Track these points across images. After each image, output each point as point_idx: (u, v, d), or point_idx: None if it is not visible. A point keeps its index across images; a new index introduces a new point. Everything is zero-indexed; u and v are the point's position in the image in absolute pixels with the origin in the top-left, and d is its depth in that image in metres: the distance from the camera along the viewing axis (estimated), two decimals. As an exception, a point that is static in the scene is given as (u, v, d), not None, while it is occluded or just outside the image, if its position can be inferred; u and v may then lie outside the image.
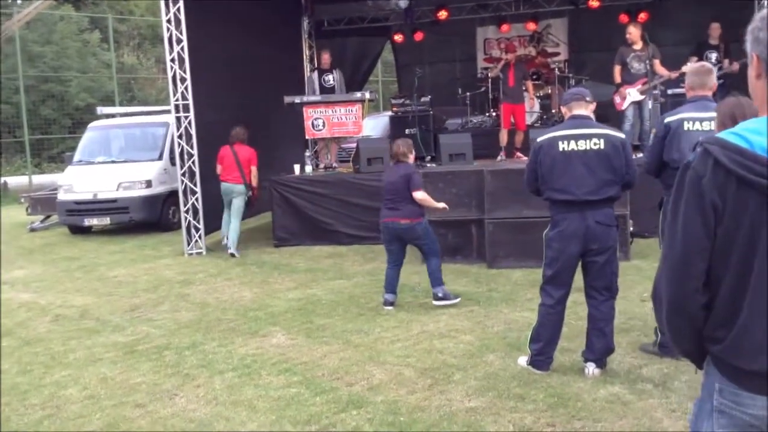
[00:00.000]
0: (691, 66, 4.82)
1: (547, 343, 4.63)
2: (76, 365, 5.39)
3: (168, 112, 11.49)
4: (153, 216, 12.20)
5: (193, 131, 9.57)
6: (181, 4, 9.31)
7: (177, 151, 9.73)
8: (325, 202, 9.67)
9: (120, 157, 13.00)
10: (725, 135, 1.70)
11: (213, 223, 10.18)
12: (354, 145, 11.08)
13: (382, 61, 21.37)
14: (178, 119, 9.62)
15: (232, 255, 9.39)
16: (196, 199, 9.67)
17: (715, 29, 10.47)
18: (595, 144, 4.40)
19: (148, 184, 12.20)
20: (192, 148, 9.61)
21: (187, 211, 9.69)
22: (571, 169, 4.40)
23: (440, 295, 6.37)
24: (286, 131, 11.76)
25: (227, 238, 9.62)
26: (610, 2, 13.12)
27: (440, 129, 12.55)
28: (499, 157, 10.29)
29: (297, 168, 10.16)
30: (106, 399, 4.67)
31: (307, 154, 10.80)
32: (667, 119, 4.56)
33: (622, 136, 4.60)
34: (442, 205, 6.48)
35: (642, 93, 9.58)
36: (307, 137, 10.73)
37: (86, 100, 22.82)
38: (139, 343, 5.86)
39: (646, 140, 9.43)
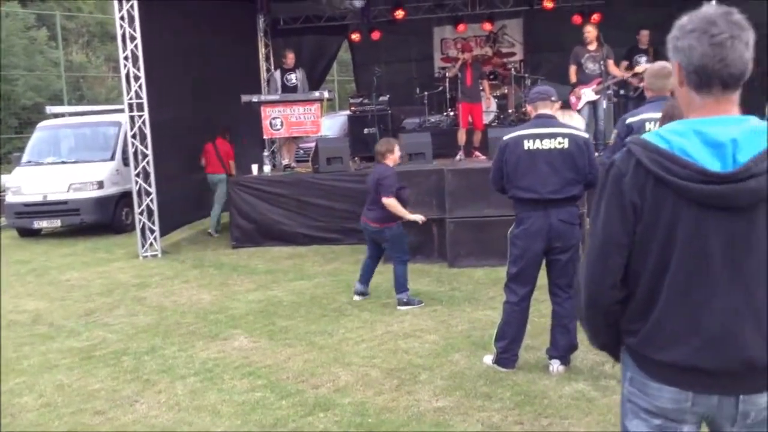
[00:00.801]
0: (651, 68, 4.90)
1: (513, 341, 4.66)
2: (31, 372, 5.21)
3: (120, 111, 11.23)
4: (105, 218, 11.90)
5: (147, 130, 9.37)
6: (134, 1, 9.10)
7: (130, 151, 9.50)
8: (283, 203, 9.57)
9: (70, 157, 12.64)
10: (649, 136, 1.77)
11: (168, 225, 9.99)
12: (312, 144, 11.01)
13: (338, 60, 21.27)
14: (131, 118, 9.40)
15: (210, 234, 10.69)
16: (151, 200, 9.47)
17: (644, 35, 10.84)
18: (559, 143, 4.45)
19: (100, 185, 11.90)
20: (146, 147, 9.40)
21: (141, 213, 9.48)
22: (535, 167, 4.44)
23: (404, 300, 6.38)
24: (243, 130, 11.60)
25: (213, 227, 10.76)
26: (563, 3, 13.32)
27: (399, 128, 12.56)
28: (458, 157, 10.34)
29: (255, 168, 10.04)
30: (63, 406, 4.52)
31: (265, 153, 10.68)
32: (629, 120, 4.63)
33: (586, 135, 4.67)
34: (415, 216, 6.38)
35: (597, 93, 9.75)
36: (264, 137, 10.61)
37: (33, 99, 22.12)
38: (95, 348, 5.70)
39: (600, 139, 9.62)
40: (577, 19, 12.89)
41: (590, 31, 9.71)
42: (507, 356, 4.67)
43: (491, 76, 12.71)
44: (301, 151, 12.53)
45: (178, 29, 10.23)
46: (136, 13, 9.13)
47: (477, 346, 5.17)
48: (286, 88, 10.82)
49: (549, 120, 4.58)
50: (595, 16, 12.60)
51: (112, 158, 12.34)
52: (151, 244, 9.53)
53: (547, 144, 4.45)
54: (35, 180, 12.03)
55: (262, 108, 10.11)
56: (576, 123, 6.13)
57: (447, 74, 11.86)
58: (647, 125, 4.51)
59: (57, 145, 13.07)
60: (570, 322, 4.61)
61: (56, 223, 11.86)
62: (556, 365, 4.62)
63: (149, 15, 9.34)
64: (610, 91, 10.15)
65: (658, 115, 4.53)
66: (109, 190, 11.95)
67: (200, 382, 4.79)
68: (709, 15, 1.71)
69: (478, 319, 5.86)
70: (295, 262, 8.63)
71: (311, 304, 6.64)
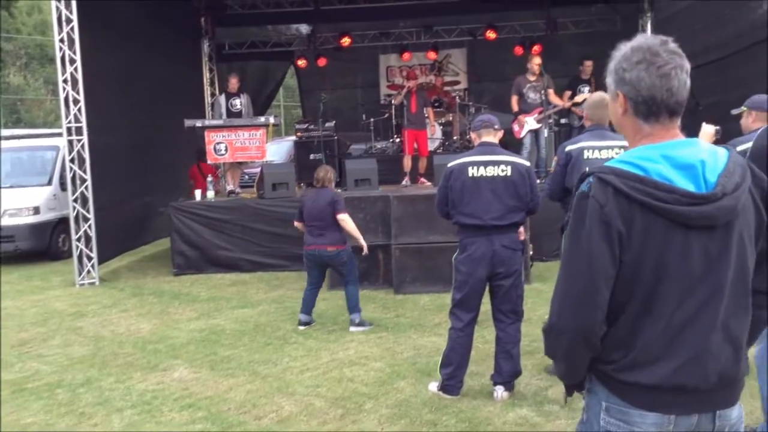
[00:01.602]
0: (590, 98, 5.05)
1: (457, 367, 4.67)
2: (-45, 408, 4.94)
3: (58, 135, 10.93)
4: (41, 244, 11.49)
5: (86, 155, 9.12)
6: (75, 23, 8.91)
7: (68, 175, 9.24)
8: (227, 229, 9.42)
9: (5, 182, 12.17)
10: (617, 164, 1.76)
11: (107, 252, 9.71)
12: (257, 170, 10.91)
13: (284, 85, 21.25)
14: (70, 142, 9.15)
15: None
16: (89, 227, 9.20)
17: (587, 66, 11.13)
18: (502, 171, 4.52)
19: (36, 210, 11.50)
20: (85, 172, 9.15)
21: (78, 239, 9.19)
22: (480, 194, 4.50)
23: (357, 321, 6.40)
24: (187, 155, 11.45)
25: None
26: (505, 35, 13.67)
27: (345, 154, 12.58)
28: (403, 183, 10.40)
29: (198, 193, 9.88)
30: (-11, 445, 4.30)
31: (209, 179, 10.53)
32: (568, 147, 4.74)
33: (527, 163, 4.77)
34: (363, 243, 6.47)
35: (538, 122, 9.99)
36: (208, 162, 10.47)
37: (-33, 121, 21.40)
38: (28, 380, 5.45)
39: (542, 167, 9.83)
40: (518, 50, 13.24)
41: (536, 63, 9.96)
42: (452, 383, 4.66)
43: (436, 104, 12.89)
44: (246, 177, 12.41)
45: (120, 52, 10.05)
46: (76, 36, 8.94)
47: (422, 373, 5.15)
48: (231, 113, 10.74)
49: (493, 148, 4.66)
50: (536, 47, 12.94)
51: (50, 183, 11.97)
52: (88, 271, 9.23)
53: (491, 171, 4.53)
54: (-33, 205, 11.56)
55: (206, 133, 9.98)
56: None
57: (393, 102, 11.98)
58: (586, 153, 4.64)
59: (-9, 170, 12.62)
60: (513, 347, 4.65)
61: (-11, 250, 11.40)
62: (500, 391, 4.63)
63: (90, 37, 9.15)
64: (551, 120, 10.41)
65: (597, 143, 4.68)
66: (45, 216, 11.56)
67: (138, 415, 4.63)
68: (651, 46, 1.75)
69: (424, 346, 5.85)
70: (239, 289, 8.48)
71: (255, 333, 6.52)
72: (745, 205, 1.75)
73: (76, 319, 7.40)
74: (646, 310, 1.75)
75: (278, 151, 14.65)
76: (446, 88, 13.85)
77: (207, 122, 10.31)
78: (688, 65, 1.77)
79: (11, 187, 11.92)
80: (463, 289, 4.60)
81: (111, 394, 5.06)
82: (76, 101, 9.04)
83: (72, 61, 8.99)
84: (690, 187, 1.71)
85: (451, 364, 4.65)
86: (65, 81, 9.02)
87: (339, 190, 9.25)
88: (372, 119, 13.15)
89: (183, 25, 12.83)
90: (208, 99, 13.52)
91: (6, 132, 15.36)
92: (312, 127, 12.09)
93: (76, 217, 9.21)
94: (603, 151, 4.61)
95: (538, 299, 7.09)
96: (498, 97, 12.96)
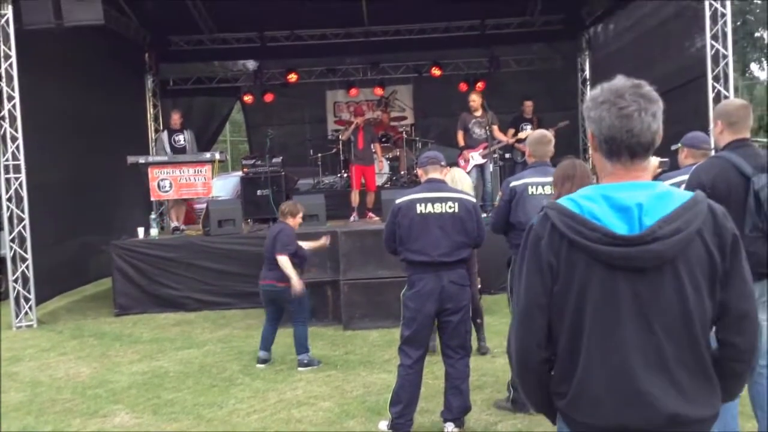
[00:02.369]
0: (532, 135, 5.18)
1: (407, 405, 4.62)
2: None
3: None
4: (-25, 286, 11.03)
5: (24, 193, 8.85)
6: (13, 59, 8.71)
7: (5, 214, 8.93)
8: (172, 267, 9.22)
9: (-64, 221, 11.71)
10: (563, 201, 1.84)
11: (45, 293, 9.39)
12: (203, 206, 10.76)
13: (231, 120, 21.16)
14: (7, 180, 8.87)
15: None
16: (27, 267, 8.88)
17: (528, 106, 11.54)
18: (450, 207, 4.56)
19: (-30, 250, 11.06)
20: (23, 211, 8.86)
21: (15, 281, 8.86)
22: (428, 231, 4.52)
23: (305, 361, 6.30)
24: (129, 192, 11.22)
25: None
26: (450, 72, 13.96)
27: (292, 190, 12.51)
28: (351, 218, 10.40)
29: (141, 231, 9.66)
30: None
31: (152, 216, 10.33)
32: (513, 183, 4.83)
33: (473, 199, 4.84)
34: (298, 284, 6.19)
35: (483, 157, 10.17)
36: (152, 199, 10.27)
37: None
38: (-44, 432, 5.19)
39: (488, 201, 9.98)
40: (463, 86, 13.51)
41: (475, 100, 10.19)
42: (402, 421, 4.61)
43: (383, 139, 13.00)
44: (195, 214, 12.22)
45: (60, 88, 9.86)
46: (14, 72, 8.73)
47: (372, 411, 5.09)
48: (175, 150, 10.62)
49: (439, 184, 4.71)
50: (480, 84, 13.26)
51: (-15, 222, 11.54)
52: (26, 313, 8.88)
53: (439, 208, 4.56)
54: None
55: (149, 169, 9.81)
56: (463, 179, 6.34)
57: (340, 137, 12.03)
58: (530, 189, 4.73)
59: None
60: (463, 383, 4.65)
61: None
62: (450, 428, 4.61)
63: (29, 74, 8.95)
64: (495, 155, 10.61)
65: (540, 179, 4.78)
66: (-20, 257, 11.12)
67: (76, 465, 4.43)
68: (618, 88, 1.81)
69: (374, 383, 5.79)
70: (183, 329, 8.28)
71: (200, 374, 6.35)
72: (689, 252, 1.75)
73: (12, 364, 7.09)
74: (576, 343, 1.81)
75: (224, 186, 14.46)
76: (393, 124, 14.00)
77: (150, 158, 10.13)
78: (659, 109, 1.81)
79: (-57, 226, 11.45)
80: (412, 325, 4.58)
81: (47, 443, 4.85)
82: (14, 138, 8.80)
83: (10, 98, 8.76)
84: (622, 229, 1.74)
85: (401, 401, 4.60)
86: (2, 118, 8.77)
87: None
88: (320, 154, 13.17)
89: (126, 61, 12.68)
90: (151, 135, 13.33)
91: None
92: (259, 162, 12.00)
93: (14, 258, 8.89)
94: (546, 186, 4.70)
95: (487, 333, 7.13)
96: (444, 132, 13.18)
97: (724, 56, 8.14)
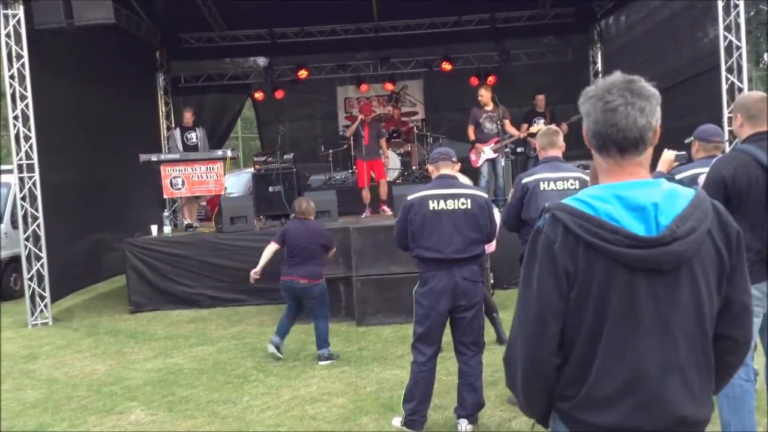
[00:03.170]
0: (541, 131, 5.15)
1: (421, 402, 4.62)
2: None
3: (9, 171, 10.68)
4: (-9, 284, 11.15)
5: (38, 192, 8.92)
6: (25, 59, 8.77)
7: (20, 213, 9.01)
8: (185, 264, 9.27)
9: (-47, 220, 11.84)
10: (570, 201, 1.79)
11: (60, 290, 9.47)
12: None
13: (242, 117, 21.20)
14: (21, 180, 8.94)
15: None
16: (42, 265, 8.96)
17: (540, 100, 11.42)
18: (462, 204, 4.54)
19: (-14, 249, 11.18)
20: (37, 210, 8.93)
21: (31, 279, 8.94)
22: (440, 227, 4.50)
23: (326, 354, 6.41)
24: (142, 190, 11.27)
25: None
26: (461, 66, 13.92)
27: (304, 186, 12.53)
28: (363, 214, 10.39)
29: (154, 229, 9.72)
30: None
31: (165, 213, 10.38)
32: (525, 180, 4.81)
33: (486, 195, 4.80)
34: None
35: (495, 151, 10.12)
36: (165, 196, 10.32)
37: None
38: (-26, 430, 5.24)
39: (500, 196, 9.95)
40: (474, 80, 13.47)
41: (484, 95, 10.12)
42: (415, 418, 4.61)
43: (395, 135, 12.99)
44: (203, 211, 12.27)
45: (72, 87, 9.92)
46: (27, 72, 8.79)
47: (386, 408, 5.10)
48: (187, 147, 10.66)
49: (451, 181, 4.68)
50: (491, 78, 13.20)
51: (0, 221, 11.66)
52: (41, 311, 8.97)
53: (451, 204, 4.54)
54: None
55: (161, 167, 9.85)
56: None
57: (346, 133, 12.02)
58: (542, 185, 4.71)
59: (-63, 208, 12.22)
60: (476, 380, 4.64)
61: (-65, 290, 11.01)
62: (464, 424, 4.61)
63: (41, 73, 9.02)
64: (507, 149, 10.56)
65: (551, 174, 4.76)
66: (-5, 255, 11.23)
67: (92, 463, 4.47)
68: (609, 83, 1.78)
69: (387, 379, 5.80)
70: (197, 326, 8.32)
71: (214, 371, 6.39)
72: (702, 250, 1.74)
73: (28, 362, 7.16)
74: (593, 347, 1.77)
75: (236, 183, 14.51)
76: (404, 119, 13.98)
77: (163, 156, 10.16)
78: (648, 105, 1.76)
79: (-41, 225, 11.57)
80: (425, 322, 4.58)
81: (64, 440, 4.89)
82: (27, 138, 8.87)
83: (23, 98, 8.83)
84: (639, 229, 1.71)
85: (414, 398, 4.60)
86: (16, 117, 8.85)
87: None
88: (331, 150, 13.18)
89: (137, 60, 12.74)
90: (163, 133, 13.39)
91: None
92: (270, 159, 12.01)
93: (28, 256, 8.97)
94: (558, 182, 4.68)
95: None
96: (455, 126, 13.16)
97: (738, 47, 8.05)
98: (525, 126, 11.03)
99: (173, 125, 12.98)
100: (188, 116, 10.94)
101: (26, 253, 8.98)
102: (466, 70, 13.95)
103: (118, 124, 11.11)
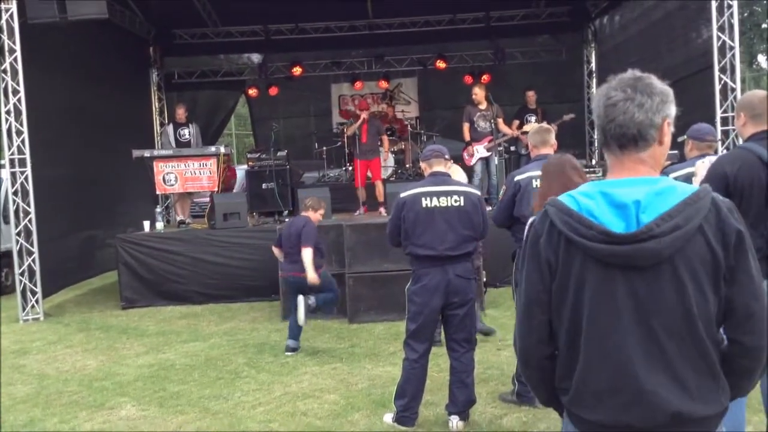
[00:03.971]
0: (533, 129, 5.17)
1: (412, 398, 4.63)
2: None
3: (1, 167, 10.64)
4: (-19, 279, 11.10)
5: (30, 187, 8.88)
6: (18, 54, 8.72)
7: (11, 208, 8.97)
8: (177, 260, 9.24)
9: (-57, 215, 11.77)
10: (563, 198, 1.82)
11: (52, 286, 9.43)
12: (207, 199, 10.78)
13: (236, 114, 21.16)
14: (13, 174, 8.90)
15: None
16: (33, 261, 8.92)
17: (530, 96, 11.41)
18: (455, 201, 4.55)
19: (-24, 244, 11.11)
20: (29, 205, 8.90)
21: (22, 274, 8.90)
22: (433, 225, 4.50)
23: (312, 303, 6.44)
24: (135, 186, 11.24)
25: None
26: (455, 64, 13.94)
27: (298, 183, 12.52)
28: (357, 212, 10.39)
29: (147, 224, 9.69)
30: None
31: (158, 209, 10.35)
32: (517, 177, 4.82)
33: (479, 192, 4.82)
34: (314, 279, 6.35)
35: (488, 150, 10.14)
36: (157, 192, 10.29)
37: None
38: (-36, 425, 5.22)
39: (494, 194, 9.96)
40: (468, 79, 13.49)
41: (477, 93, 10.14)
42: (407, 414, 4.62)
43: (389, 132, 12.98)
44: (197, 207, 12.24)
45: (65, 83, 9.89)
46: (19, 67, 8.75)
47: (377, 404, 5.10)
48: (180, 143, 10.64)
49: (444, 178, 4.69)
50: (485, 77, 13.22)
51: (-9, 216, 11.60)
52: (32, 306, 8.93)
53: (444, 202, 4.54)
54: None
55: (154, 163, 9.81)
56: (459, 175, 6.30)
57: (345, 132, 12.00)
58: (534, 182, 4.72)
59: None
60: (468, 376, 4.65)
61: (-75, 286, 10.95)
62: (455, 421, 4.61)
63: (34, 68, 8.98)
64: (500, 148, 10.58)
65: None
66: (-15, 250, 11.17)
67: (83, 458, 4.46)
68: (618, 80, 1.79)
69: (379, 376, 5.80)
70: (189, 322, 8.30)
71: (205, 367, 6.37)
72: (689, 248, 1.71)
73: (19, 357, 7.13)
74: (575, 341, 1.80)
75: (230, 180, 14.50)
76: (398, 117, 13.99)
77: (156, 152, 10.13)
78: (649, 102, 1.75)
79: (-50, 220, 11.51)
80: (418, 319, 4.58)
81: (54, 435, 4.88)
82: (19, 132, 8.82)
83: (15, 92, 8.78)
84: (619, 226, 1.72)
85: (406, 395, 4.61)
86: (8, 112, 8.80)
87: (288, 219, 9.24)
88: (325, 147, 13.18)
89: (130, 55, 12.70)
90: (157, 129, 13.35)
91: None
92: (264, 156, 12.01)
93: (20, 251, 8.93)
94: (550, 180, 4.68)
95: (492, 325, 7.14)
96: (449, 124, 13.19)
97: (731, 48, 8.08)
98: (516, 123, 11.06)
99: (166, 121, 12.95)
100: (181, 112, 10.91)
101: (18, 248, 8.94)
102: (460, 68, 13.97)
103: (111, 119, 11.09)
